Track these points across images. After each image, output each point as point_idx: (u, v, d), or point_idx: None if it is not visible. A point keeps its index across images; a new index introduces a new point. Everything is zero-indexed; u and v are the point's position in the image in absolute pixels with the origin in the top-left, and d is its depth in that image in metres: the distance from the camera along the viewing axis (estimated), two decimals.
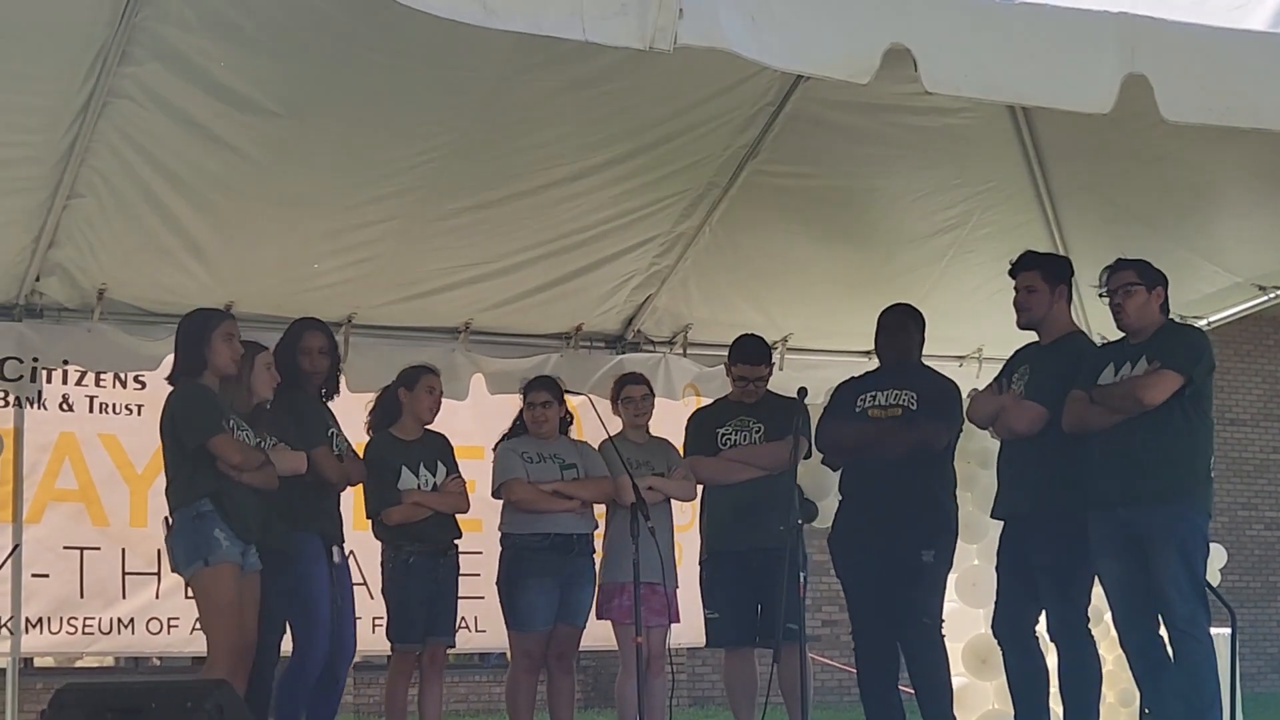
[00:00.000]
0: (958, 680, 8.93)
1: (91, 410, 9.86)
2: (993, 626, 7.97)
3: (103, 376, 9.72)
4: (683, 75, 7.50)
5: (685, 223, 9.14)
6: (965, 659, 10.33)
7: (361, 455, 8.35)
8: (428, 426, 8.59)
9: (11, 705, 9.11)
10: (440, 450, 8.55)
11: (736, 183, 8.83)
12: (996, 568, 7.90)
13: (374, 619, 8.93)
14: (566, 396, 8.87)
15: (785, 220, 9.20)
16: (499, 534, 8.58)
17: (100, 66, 6.87)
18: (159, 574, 9.67)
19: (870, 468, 8.13)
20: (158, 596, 9.83)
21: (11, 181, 7.63)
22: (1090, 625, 7.74)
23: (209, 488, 7.24)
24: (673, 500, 8.77)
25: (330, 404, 8.34)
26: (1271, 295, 9.62)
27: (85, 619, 9.78)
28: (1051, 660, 7.83)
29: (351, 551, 8.48)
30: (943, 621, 8.18)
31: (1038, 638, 7.81)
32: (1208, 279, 9.32)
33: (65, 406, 9.76)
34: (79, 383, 9.76)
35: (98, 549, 9.84)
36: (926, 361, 8.58)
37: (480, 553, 8.95)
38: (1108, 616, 9.12)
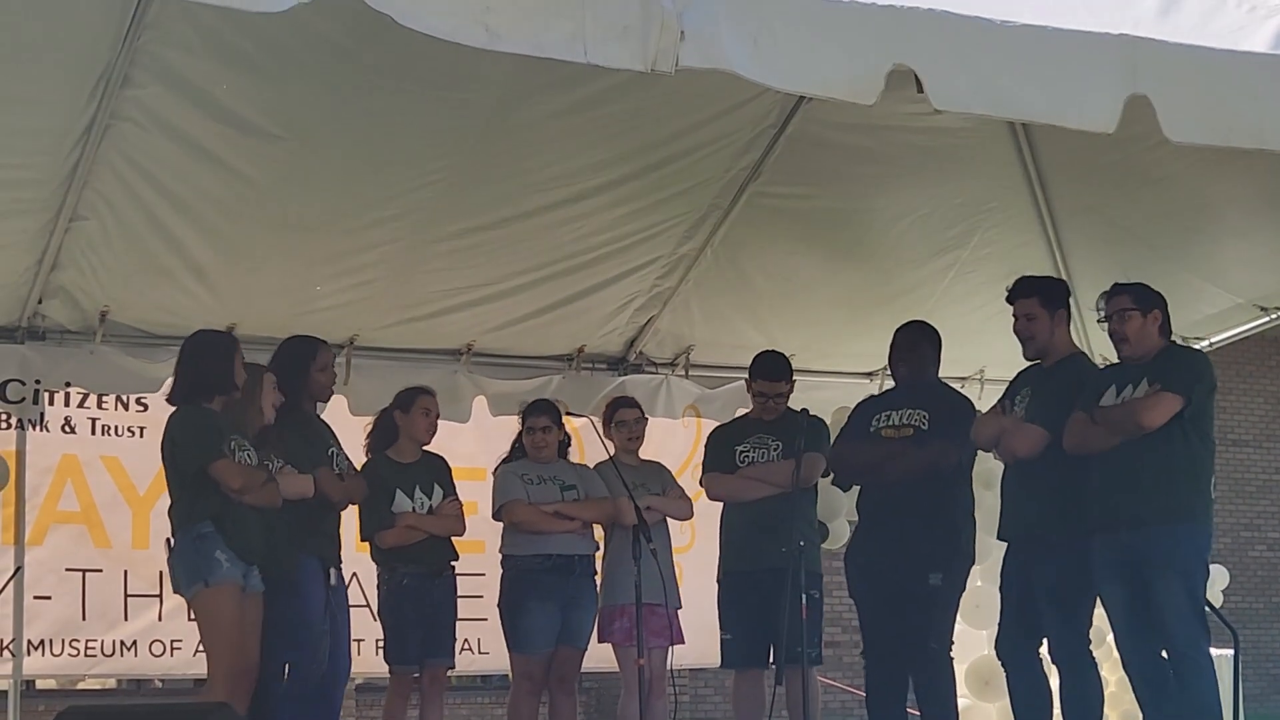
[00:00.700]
0: (961, 702, 8.92)
1: (94, 432, 9.86)
2: (996, 647, 7.96)
3: (105, 399, 9.73)
4: (684, 97, 7.51)
5: (687, 244, 9.14)
6: (969, 680, 10.32)
7: None
8: (426, 448, 8.58)
9: None
10: (437, 472, 8.54)
11: (738, 204, 8.84)
12: (1000, 589, 7.88)
13: (376, 640, 8.94)
14: (566, 418, 8.87)
15: (787, 241, 9.21)
16: (500, 556, 8.57)
17: (103, 89, 6.89)
18: (161, 596, 9.68)
19: (883, 488, 8.12)
20: (160, 618, 9.83)
21: (14, 204, 7.64)
22: (1092, 647, 7.73)
23: (211, 510, 7.22)
24: (670, 521, 8.76)
25: (329, 421, 8.33)
26: (1273, 316, 9.61)
27: (87, 641, 9.78)
28: (1054, 682, 7.81)
29: (354, 574, 8.48)
30: (952, 644, 8.14)
31: (1041, 659, 7.79)
32: (1209, 300, 9.32)
33: (67, 429, 9.77)
34: (81, 405, 9.77)
35: (100, 571, 9.83)
36: None
37: (483, 574, 8.94)
38: (1110, 638, 9.12)
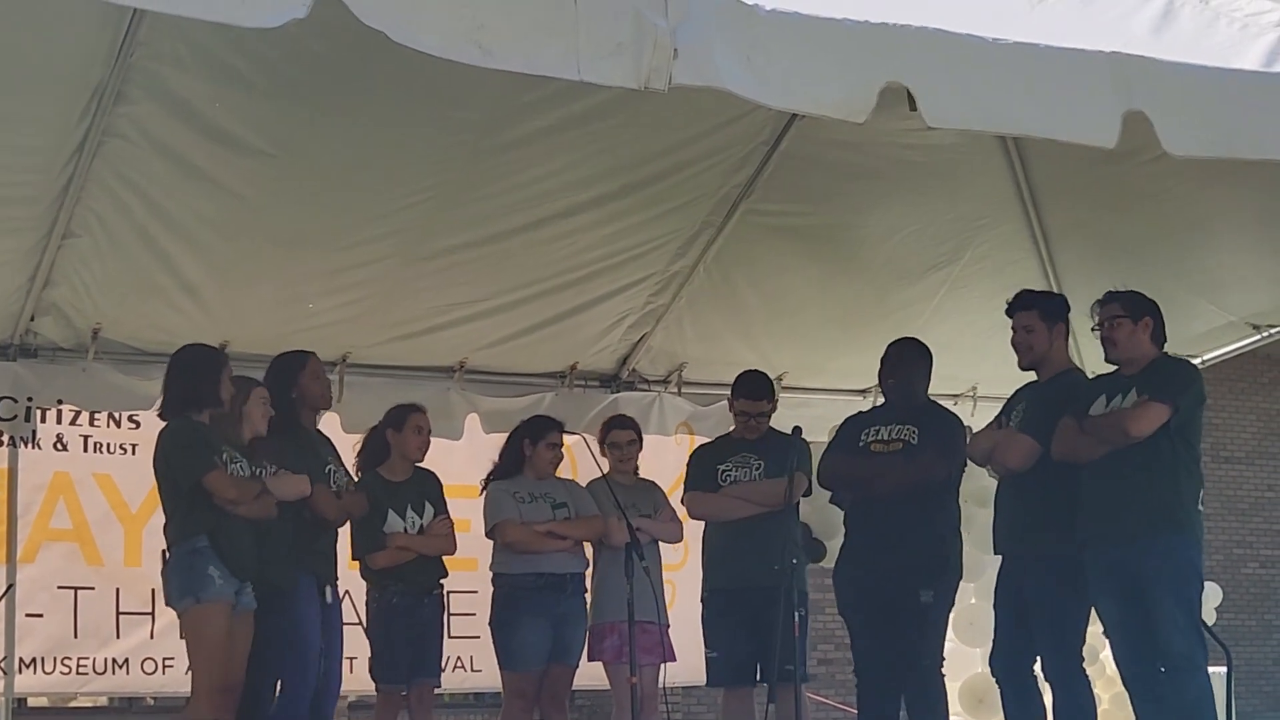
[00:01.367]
0: None
1: (86, 450, 9.86)
2: (990, 663, 7.95)
3: (97, 416, 9.73)
4: (677, 114, 7.52)
5: (680, 261, 9.15)
6: (962, 698, 10.32)
7: None
8: (418, 465, 8.57)
9: None
10: (429, 490, 8.52)
11: (731, 221, 8.85)
12: (994, 605, 7.88)
13: (369, 658, 8.91)
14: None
15: (779, 258, 9.22)
16: (491, 574, 8.56)
17: (96, 106, 6.89)
18: (153, 614, 9.67)
19: (871, 504, 8.11)
20: (152, 636, 9.82)
21: (7, 221, 7.64)
22: (1085, 664, 7.73)
23: (206, 525, 7.21)
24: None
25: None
26: (1265, 333, 9.65)
27: (79, 659, 9.77)
28: (1048, 698, 7.81)
29: (347, 591, 8.47)
30: (943, 661, 8.15)
31: (1035, 676, 7.79)
32: (1202, 317, 9.34)
33: (60, 446, 9.76)
34: (73, 422, 9.76)
35: (92, 589, 9.82)
36: None
37: (475, 592, 8.95)
38: (1103, 655, 9.12)
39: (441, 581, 8.47)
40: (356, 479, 8.40)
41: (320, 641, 7.81)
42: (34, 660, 9.62)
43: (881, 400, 8.82)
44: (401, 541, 8.33)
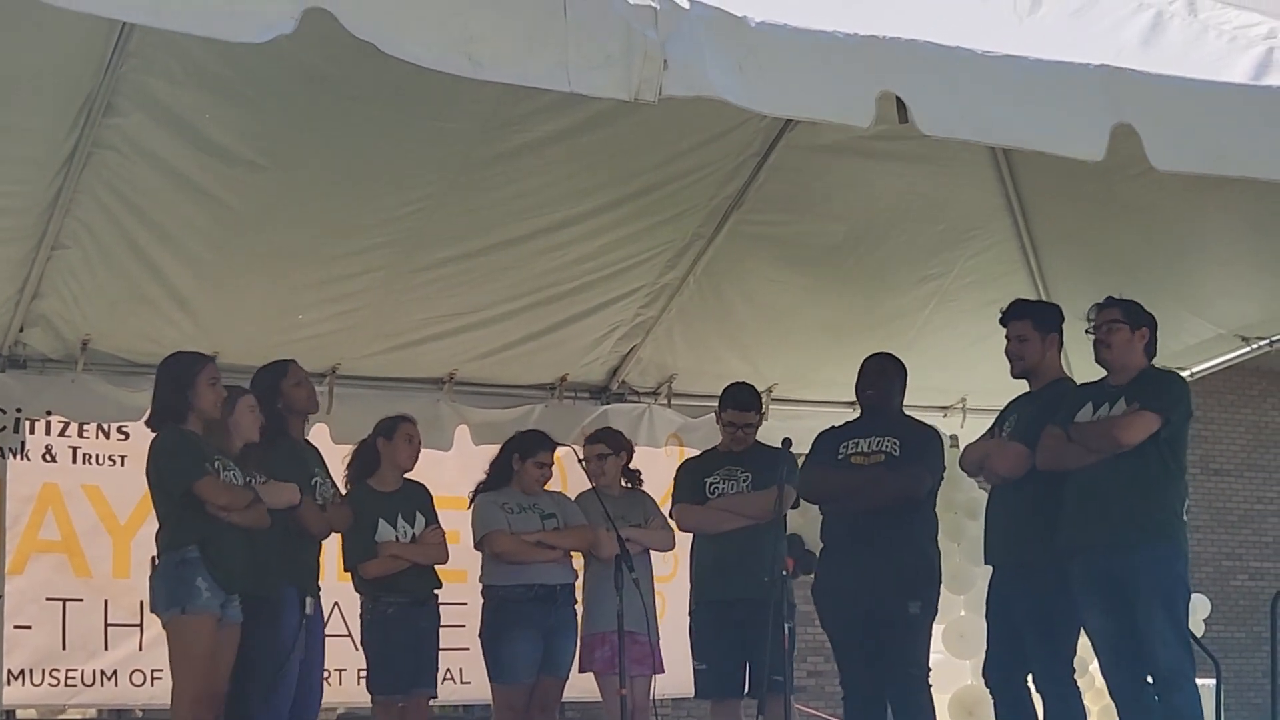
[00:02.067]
0: None
1: (75, 461, 9.84)
2: (983, 673, 7.95)
3: (86, 427, 9.71)
4: (668, 126, 7.53)
5: (670, 273, 9.15)
6: (952, 710, 10.32)
7: None
8: (407, 476, 8.56)
9: None
10: (419, 501, 8.52)
11: (721, 233, 8.86)
12: (986, 616, 7.88)
13: (359, 670, 8.90)
14: None
15: (770, 270, 9.23)
16: (481, 586, 8.56)
17: (85, 117, 6.88)
18: (142, 625, 9.65)
19: (853, 516, 8.11)
20: (141, 648, 9.79)
21: None
22: (1075, 675, 7.73)
23: (197, 535, 7.21)
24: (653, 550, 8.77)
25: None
26: (1254, 346, 9.65)
27: (68, 671, 9.74)
28: (1040, 709, 7.82)
29: (336, 603, 8.46)
30: (929, 670, 8.16)
31: (1028, 687, 7.79)
32: (1191, 330, 9.35)
33: (48, 457, 9.74)
34: (62, 433, 9.74)
35: (80, 600, 9.80)
36: (911, 412, 8.56)
37: (465, 603, 8.92)
38: (1092, 666, 9.11)
39: (436, 592, 8.46)
40: (345, 491, 8.40)
41: (300, 653, 7.79)
42: (22, 672, 9.59)
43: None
44: (394, 550, 8.33)
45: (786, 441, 8.09)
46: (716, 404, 8.84)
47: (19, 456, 9.04)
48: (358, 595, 8.45)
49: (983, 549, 7.93)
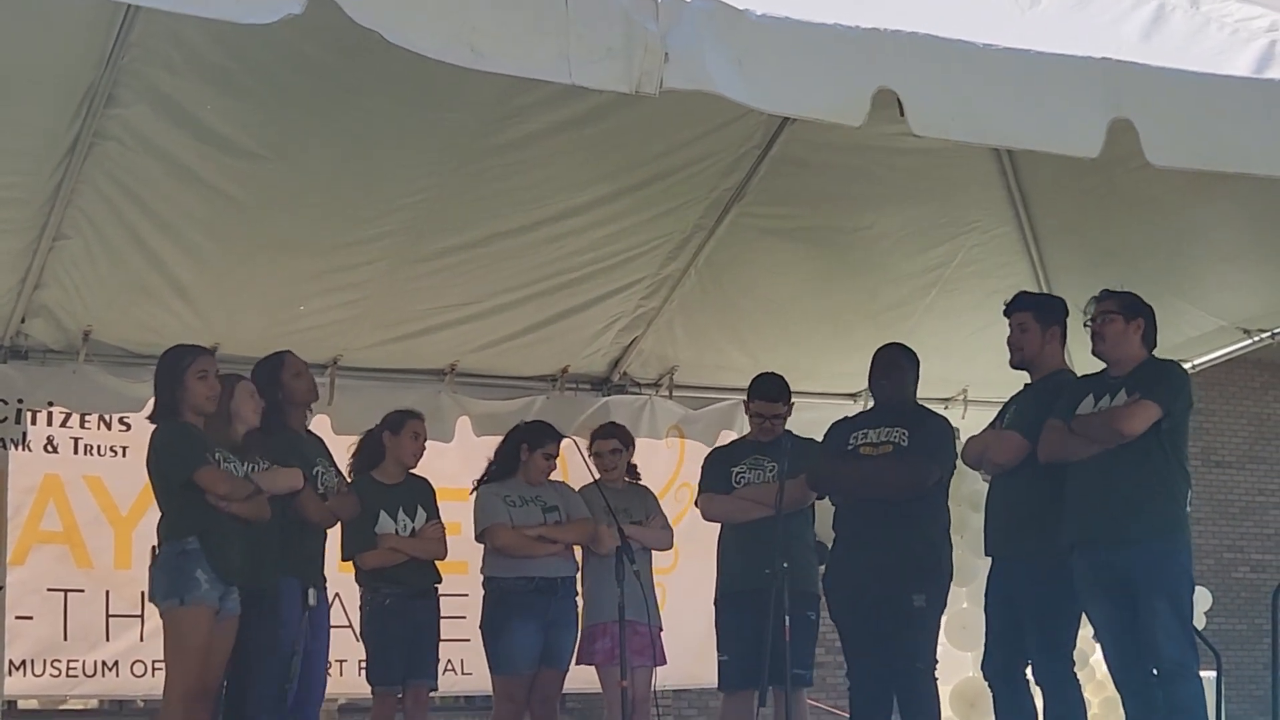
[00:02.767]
0: None
1: (76, 452, 9.84)
2: (982, 668, 7.96)
3: (87, 418, 9.70)
4: (669, 118, 7.53)
5: (671, 265, 9.15)
6: (953, 702, 10.32)
7: None
8: (410, 470, 8.57)
9: None
10: (421, 495, 8.53)
11: (722, 224, 8.85)
12: (985, 609, 7.88)
13: (360, 661, 8.91)
14: None
15: (771, 261, 9.22)
16: (482, 577, 8.56)
17: (87, 109, 6.89)
18: (143, 616, 9.65)
19: (862, 507, 8.10)
20: (142, 639, 9.79)
21: None
22: (1075, 668, 7.73)
23: (197, 526, 7.21)
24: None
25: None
26: (1256, 338, 9.65)
27: (69, 661, 9.75)
28: (1039, 703, 7.82)
29: (337, 594, 8.46)
30: (936, 664, 8.14)
31: (1026, 680, 7.79)
32: (1192, 323, 9.34)
33: (50, 448, 9.74)
34: (64, 424, 9.74)
35: (82, 591, 9.80)
36: None
37: (466, 595, 8.94)
38: (1092, 659, 9.12)
39: (435, 586, 8.47)
40: (350, 480, 8.40)
41: (302, 644, 7.80)
42: (23, 663, 9.60)
43: (870, 405, 8.81)
44: (393, 543, 8.33)
45: (788, 434, 8.08)
46: (729, 394, 8.84)
47: (20, 447, 9.05)
48: (358, 586, 8.46)
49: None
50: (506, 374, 9.76)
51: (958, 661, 10.05)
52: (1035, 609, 7.55)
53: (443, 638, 8.55)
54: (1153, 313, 7.50)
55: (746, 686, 8.46)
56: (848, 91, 5.12)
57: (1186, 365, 9.49)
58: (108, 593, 9.84)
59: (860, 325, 9.42)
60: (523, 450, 8.65)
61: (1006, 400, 8.00)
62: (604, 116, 7.45)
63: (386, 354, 9.30)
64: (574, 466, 8.89)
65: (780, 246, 9.10)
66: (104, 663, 9.86)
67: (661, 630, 8.63)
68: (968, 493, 9.00)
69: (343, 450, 8.66)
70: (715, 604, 8.70)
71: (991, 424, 8.04)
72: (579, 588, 8.65)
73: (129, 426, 9.59)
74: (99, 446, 9.88)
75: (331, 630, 8.33)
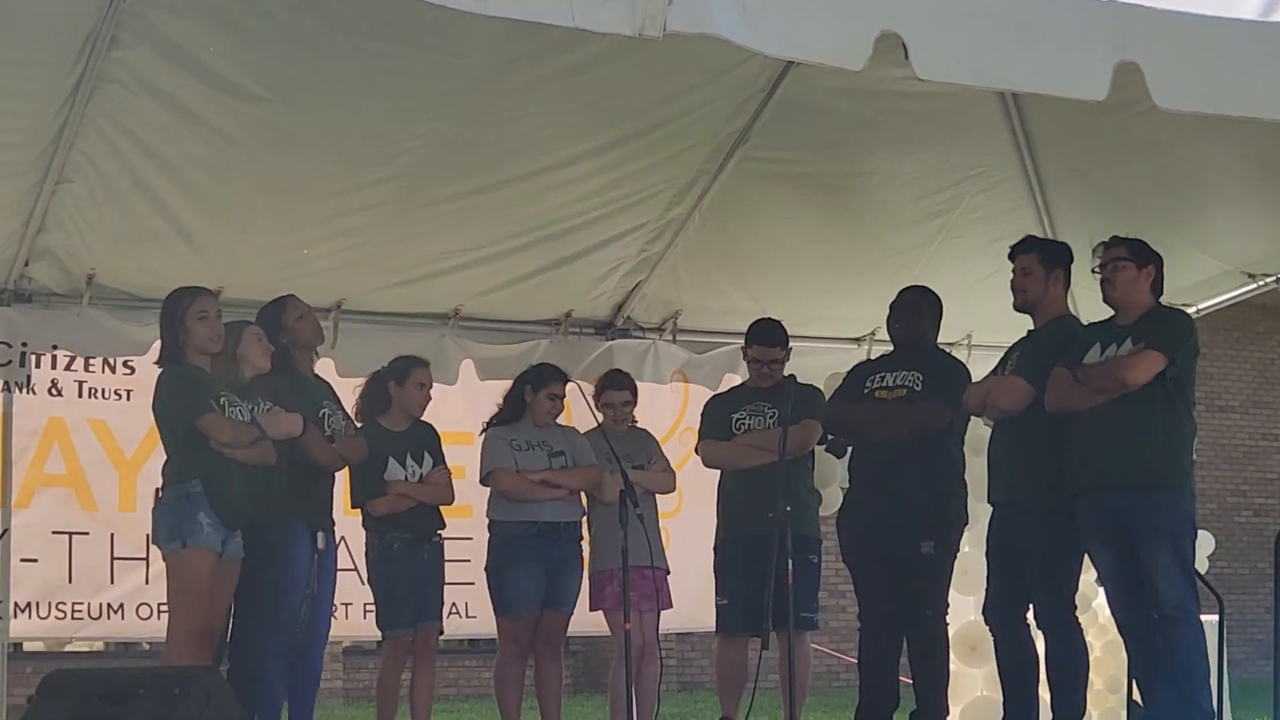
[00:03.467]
0: None
1: (80, 395, 9.81)
2: (984, 611, 7.98)
3: (92, 362, 9.69)
4: (673, 62, 7.49)
5: (675, 209, 9.13)
6: (955, 646, 10.28)
7: None
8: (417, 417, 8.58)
9: (0, 689, 9.10)
10: (428, 441, 8.54)
11: (726, 169, 8.83)
12: (986, 554, 7.89)
13: (365, 605, 8.94)
14: None
15: (775, 206, 9.20)
16: (487, 520, 8.58)
17: (89, 51, 6.87)
18: (147, 559, 9.65)
19: (875, 451, 8.11)
20: (147, 581, 9.79)
21: (0, 166, 7.62)
22: (1078, 613, 7.75)
23: (201, 469, 7.24)
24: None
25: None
26: (1261, 283, 9.65)
27: (74, 604, 9.75)
28: (1041, 647, 7.84)
29: (343, 538, 8.48)
30: (946, 609, 8.15)
31: (1028, 625, 7.81)
32: (1197, 267, 9.33)
33: (54, 391, 9.72)
34: (68, 368, 9.72)
35: (86, 534, 9.80)
36: None
37: (470, 538, 8.96)
38: (1095, 603, 9.14)
39: (439, 532, 8.49)
40: (357, 425, 8.41)
41: (310, 588, 7.83)
42: (29, 605, 9.60)
43: (879, 349, 8.81)
44: (402, 489, 8.35)
45: (791, 378, 8.08)
46: (732, 338, 8.83)
47: (25, 390, 9.06)
48: (364, 531, 8.47)
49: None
50: (510, 318, 9.75)
51: (960, 605, 10.04)
52: (1038, 554, 7.56)
53: (448, 581, 8.57)
54: (1162, 260, 7.49)
55: (744, 631, 8.51)
56: (850, 35, 5.10)
57: (1192, 309, 9.52)
58: (112, 535, 9.84)
59: (865, 270, 9.41)
60: (527, 392, 8.65)
61: (1010, 346, 7.99)
62: (607, 62, 7.43)
63: (390, 298, 9.29)
64: (577, 410, 8.89)
65: (784, 191, 9.08)
66: (109, 605, 9.87)
67: (668, 574, 8.65)
68: (970, 437, 8.98)
69: (349, 393, 8.67)
70: (715, 549, 8.72)
71: (993, 370, 8.03)
72: (584, 532, 8.67)
73: (133, 370, 9.58)
74: (103, 390, 9.86)
75: (338, 574, 8.36)
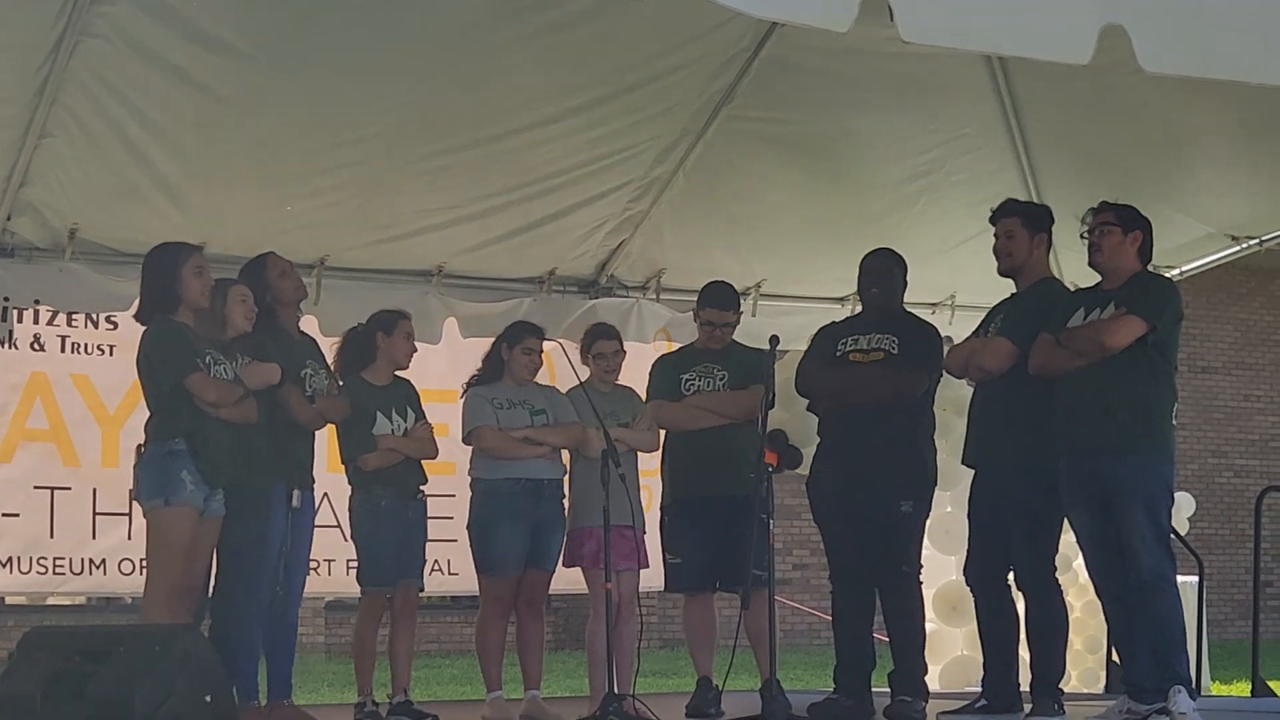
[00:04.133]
0: (928, 627, 8.97)
1: (63, 350, 9.80)
2: (964, 573, 8.01)
3: (74, 316, 9.68)
4: (658, 20, 7.50)
5: (659, 168, 9.13)
6: (936, 606, 10.38)
7: None
8: (398, 372, 8.56)
9: None
10: (409, 396, 8.52)
11: (711, 128, 8.83)
12: (968, 514, 7.91)
13: (348, 560, 8.94)
14: None
15: (759, 165, 9.20)
16: (469, 478, 8.59)
17: (72, 5, 6.85)
18: (130, 514, 9.65)
19: (850, 413, 8.10)
20: (129, 537, 9.79)
21: None
22: (1058, 573, 7.78)
23: (184, 427, 7.22)
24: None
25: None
26: (1244, 245, 9.68)
27: (55, 559, 9.76)
28: (1021, 608, 7.87)
29: (325, 494, 8.48)
30: (921, 568, 8.19)
31: (1009, 585, 7.84)
32: (1181, 229, 9.35)
33: (36, 346, 9.71)
34: (50, 322, 9.71)
35: (69, 489, 9.80)
36: None
37: (453, 495, 8.96)
38: (1075, 564, 9.17)
39: (422, 487, 8.49)
40: (340, 382, 8.39)
41: (285, 545, 7.83)
42: (10, 559, 9.62)
43: (858, 309, 8.81)
44: (391, 443, 8.33)
45: (774, 339, 8.09)
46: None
47: (7, 345, 9.04)
48: (348, 488, 8.47)
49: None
50: (494, 275, 9.74)
51: (941, 565, 10.10)
52: (1019, 514, 7.59)
53: (430, 538, 8.57)
54: (1150, 226, 7.49)
55: (704, 588, 8.55)
56: None
57: (1175, 272, 9.54)
58: (95, 490, 9.84)
59: (849, 231, 9.40)
60: (504, 350, 8.63)
61: (992, 307, 8.00)
62: (591, 19, 7.43)
63: (374, 255, 9.28)
64: (560, 370, 8.88)
65: (769, 150, 9.08)
66: (91, 560, 9.88)
67: (645, 533, 8.65)
68: (952, 397, 9.00)
69: (330, 348, 8.65)
70: (663, 509, 8.71)
71: (975, 331, 8.04)
72: (565, 490, 8.67)
73: (116, 325, 9.56)
74: (86, 345, 9.85)
75: (319, 530, 8.35)
